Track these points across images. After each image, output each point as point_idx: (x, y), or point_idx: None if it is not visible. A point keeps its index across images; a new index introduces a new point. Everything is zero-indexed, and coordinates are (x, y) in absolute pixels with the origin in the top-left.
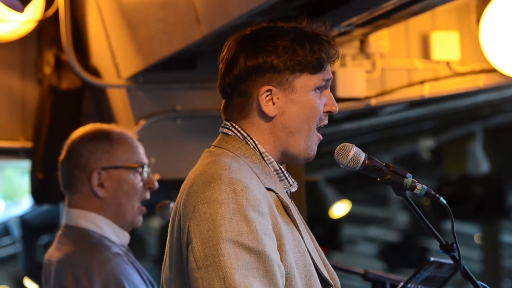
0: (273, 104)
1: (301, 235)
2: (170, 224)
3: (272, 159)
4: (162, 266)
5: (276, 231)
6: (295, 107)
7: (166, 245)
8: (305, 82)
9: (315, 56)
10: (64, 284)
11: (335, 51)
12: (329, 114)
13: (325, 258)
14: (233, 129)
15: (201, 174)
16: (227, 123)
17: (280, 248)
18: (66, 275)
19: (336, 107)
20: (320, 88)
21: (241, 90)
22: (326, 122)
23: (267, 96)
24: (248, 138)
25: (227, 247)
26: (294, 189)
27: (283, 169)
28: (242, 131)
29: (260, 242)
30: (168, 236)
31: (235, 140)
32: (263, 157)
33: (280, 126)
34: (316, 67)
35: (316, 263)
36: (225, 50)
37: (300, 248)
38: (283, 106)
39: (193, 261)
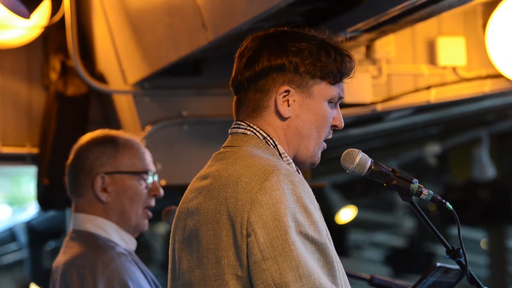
0: (288, 105)
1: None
2: (203, 223)
3: (291, 160)
4: (172, 272)
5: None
6: (309, 113)
7: (178, 247)
8: (323, 90)
9: (337, 66)
10: (70, 285)
11: (353, 67)
12: (335, 128)
13: None
14: (251, 129)
15: (247, 167)
16: (242, 123)
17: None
18: (71, 276)
19: (342, 123)
20: (332, 103)
21: (260, 85)
22: (330, 136)
23: (284, 96)
24: (268, 138)
25: (294, 236)
26: None
27: (299, 171)
28: (261, 131)
29: (321, 233)
30: (182, 236)
31: (255, 139)
32: (282, 158)
33: (293, 129)
34: (337, 77)
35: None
36: (244, 46)
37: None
38: (298, 109)
39: (259, 253)
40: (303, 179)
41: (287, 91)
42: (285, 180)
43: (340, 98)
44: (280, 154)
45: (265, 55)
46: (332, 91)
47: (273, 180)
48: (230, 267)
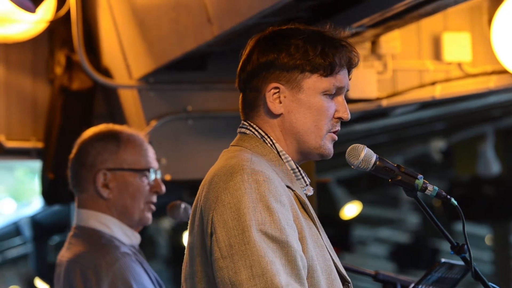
0: (280, 102)
1: (318, 231)
2: (189, 222)
3: (289, 158)
4: (183, 265)
5: (297, 224)
6: (301, 108)
7: (186, 245)
8: (314, 83)
9: (326, 59)
10: (73, 284)
11: (352, 57)
12: (341, 120)
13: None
14: (251, 128)
15: (221, 167)
16: (245, 123)
17: (302, 241)
18: (74, 275)
19: (348, 115)
20: (329, 95)
21: (253, 85)
22: (338, 128)
23: (274, 93)
24: (266, 137)
25: (252, 235)
26: (310, 193)
27: (299, 168)
28: (259, 130)
29: (283, 232)
30: (188, 234)
31: (253, 139)
32: (280, 156)
33: (288, 125)
34: (327, 70)
35: (334, 259)
36: (245, 48)
37: (319, 243)
38: (289, 105)
39: (218, 251)
40: (271, 178)
41: (277, 88)
42: (249, 180)
43: (339, 88)
44: (278, 152)
45: (255, 55)
46: (325, 83)
47: (236, 179)
48: (201, 265)
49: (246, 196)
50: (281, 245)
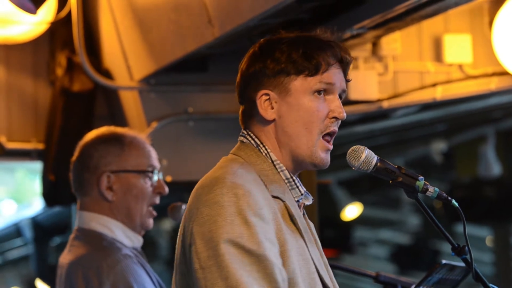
0: (272, 108)
1: (305, 243)
2: (180, 226)
3: (284, 168)
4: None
5: (280, 237)
6: (291, 110)
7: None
8: (301, 85)
9: (311, 59)
10: (75, 286)
11: (342, 55)
12: (337, 120)
13: (330, 269)
14: (248, 137)
15: (206, 178)
16: (244, 131)
17: (283, 254)
18: (76, 276)
19: (343, 114)
20: (320, 92)
21: (247, 97)
22: (334, 128)
23: (265, 100)
24: (261, 146)
25: (228, 247)
26: (308, 202)
27: (294, 178)
28: (256, 139)
29: (260, 245)
30: (177, 239)
31: (249, 147)
32: (274, 165)
33: (280, 130)
34: (312, 70)
35: (319, 272)
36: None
37: (304, 256)
38: (280, 109)
39: (197, 262)
40: (252, 191)
41: (267, 94)
42: (229, 193)
43: (329, 84)
44: (272, 162)
45: (245, 68)
46: (312, 82)
47: (215, 192)
48: (181, 274)
49: (224, 209)
50: (259, 258)
